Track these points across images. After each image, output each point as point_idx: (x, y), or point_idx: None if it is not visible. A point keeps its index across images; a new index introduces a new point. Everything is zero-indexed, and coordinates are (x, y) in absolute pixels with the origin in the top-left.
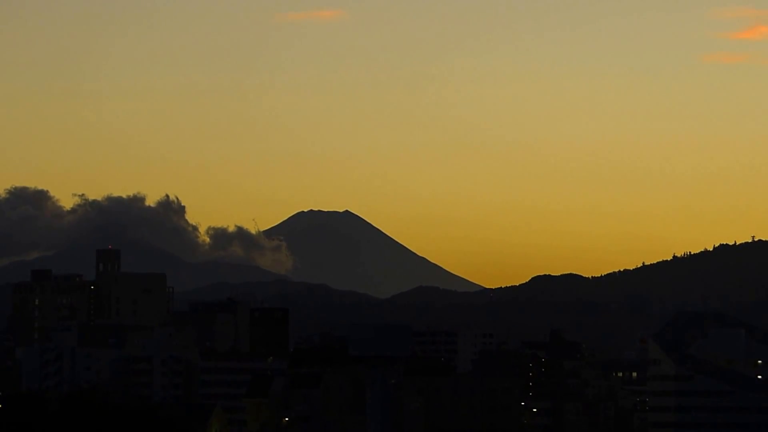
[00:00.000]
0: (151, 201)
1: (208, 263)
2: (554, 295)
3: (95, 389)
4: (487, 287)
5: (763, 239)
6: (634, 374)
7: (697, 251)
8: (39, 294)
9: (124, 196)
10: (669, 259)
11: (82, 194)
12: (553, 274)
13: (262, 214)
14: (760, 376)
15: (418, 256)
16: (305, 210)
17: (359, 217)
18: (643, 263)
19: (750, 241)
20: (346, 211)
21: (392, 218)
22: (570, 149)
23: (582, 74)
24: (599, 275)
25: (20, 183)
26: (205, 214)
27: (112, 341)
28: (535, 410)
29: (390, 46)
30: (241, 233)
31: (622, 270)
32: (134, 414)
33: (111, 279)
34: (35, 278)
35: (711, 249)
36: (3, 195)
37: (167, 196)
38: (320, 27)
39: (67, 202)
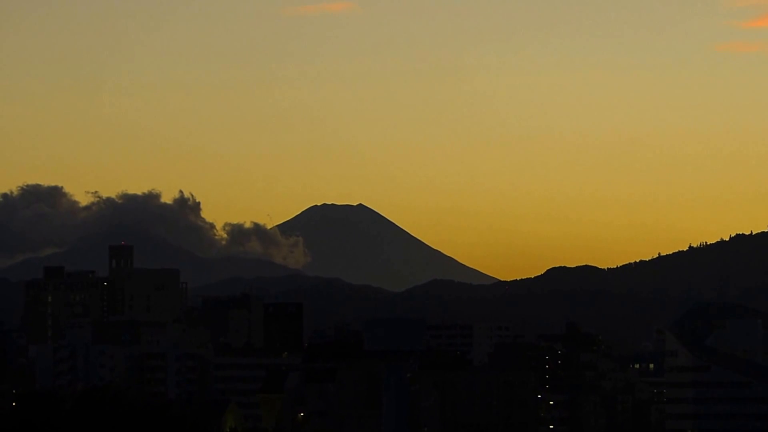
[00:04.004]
0: (166, 198)
1: (222, 259)
2: (570, 287)
3: (109, 386)
4: (503, 280)
5: None
6: (651, 366)
7: (714, 241)
8: (52, 291)
9: (139, 193)
10: (685, 250)
11: (96, 191)
12: (568, 266)
13: (275, 209)
14: None
15: (432, 249)
16: (319, 204)
17: (373, 210)
18: (659, 254)
19: (766, 230)
20: (360, 205)
21: (406, 211)
22: (584, 140)
23: (594, 64)
24: (615, 266)
25: (34, 180)
26: (220, 210)
27: (125, 338)
28: (551, 403)
29: (401, 38)
30: (257, 229)
31: (638, 261)
32: (148, 411)
33: (124, 275)
34: (48, 275)
35: (727, 239)
36: (16, 192)
37: (182, 192)
38: (331, 19)
39: (82, 199)
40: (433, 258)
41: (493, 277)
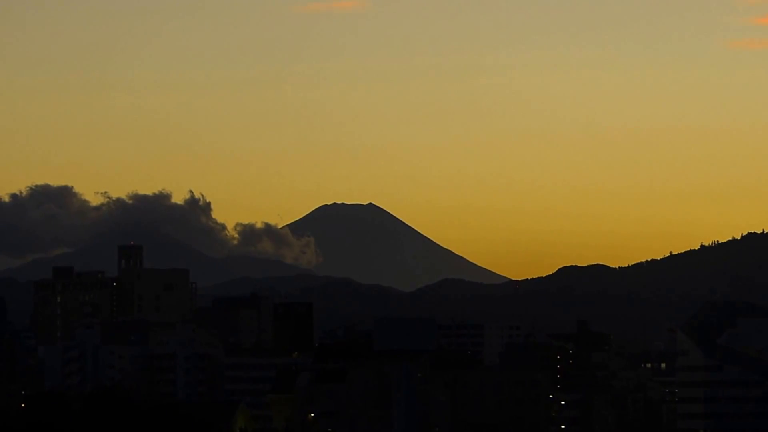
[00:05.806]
0: (177, 198)
1: (231, 259)
2: (581, 286)
3: (118, 387)
4: (513, 279)
5: None
6: (663, 365)
7: (725, 240)
8: (61, 291)
9: (150, 193)
10: (696, 249)
11: (106, 192)
12: (579, 265)
13: (285, 208)
14: None
15: (442, 248)
16: (329, 203)
17: (383, 209)
18: (671, 253)
19: None
20: (370, 204)
21: (417, 210)
22: (595, 138)
23: (605, 61)
24: (626, 265)
25: (44, 180)
26: (231, 210)
27: (134, 338)
28: (563, 402)
29: (410, 36)
30: (269, 229)
31: (649, 260)
32: (158, 411)
33: (133, 275)
34: (57, 276)
35: (739, 238)
36: (26, 193)
37: (192, 193)
38: (341, 17)
39: (92, 199)
40: (443, 257)
41: (504, 276)
